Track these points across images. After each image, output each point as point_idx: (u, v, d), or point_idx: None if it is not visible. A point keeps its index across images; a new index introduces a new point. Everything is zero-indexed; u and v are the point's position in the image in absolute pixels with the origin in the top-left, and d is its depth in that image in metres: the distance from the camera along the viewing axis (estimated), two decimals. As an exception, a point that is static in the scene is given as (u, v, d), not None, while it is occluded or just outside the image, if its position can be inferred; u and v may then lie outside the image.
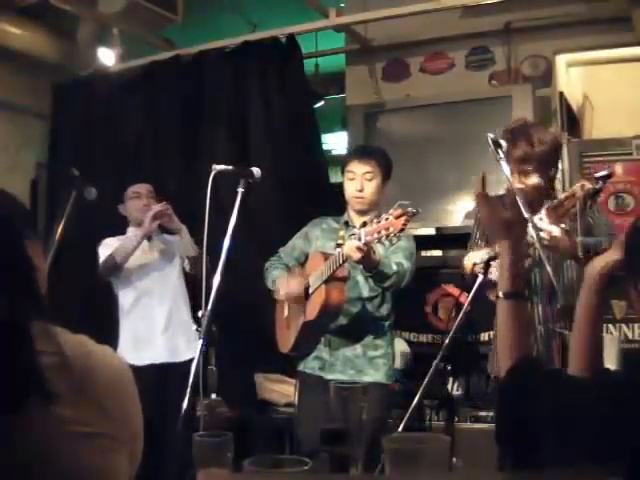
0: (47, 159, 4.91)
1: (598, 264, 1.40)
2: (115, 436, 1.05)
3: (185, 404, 2.23)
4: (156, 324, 3.43)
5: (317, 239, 3.07)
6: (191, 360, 3.40)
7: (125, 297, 3.48)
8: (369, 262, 2.68)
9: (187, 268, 3.53)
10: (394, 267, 2.79)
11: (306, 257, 3.09)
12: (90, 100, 4.70)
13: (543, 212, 2.32)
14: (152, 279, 3.46)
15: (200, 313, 2.41)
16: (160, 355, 3.34)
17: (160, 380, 3.22)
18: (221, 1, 5.03)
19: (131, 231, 3.53)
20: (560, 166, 2.67)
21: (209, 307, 2.40)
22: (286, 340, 3.05)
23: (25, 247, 1.09)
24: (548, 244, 2.28)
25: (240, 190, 2.57)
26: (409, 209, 2.40)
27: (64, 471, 0.99)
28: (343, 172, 3.02)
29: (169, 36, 4.87)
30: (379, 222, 2.46)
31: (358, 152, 3.09)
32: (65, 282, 3.96)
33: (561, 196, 2.35)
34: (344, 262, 2.68)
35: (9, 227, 1.09)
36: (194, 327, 3.54)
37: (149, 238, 3.47)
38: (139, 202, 3.50)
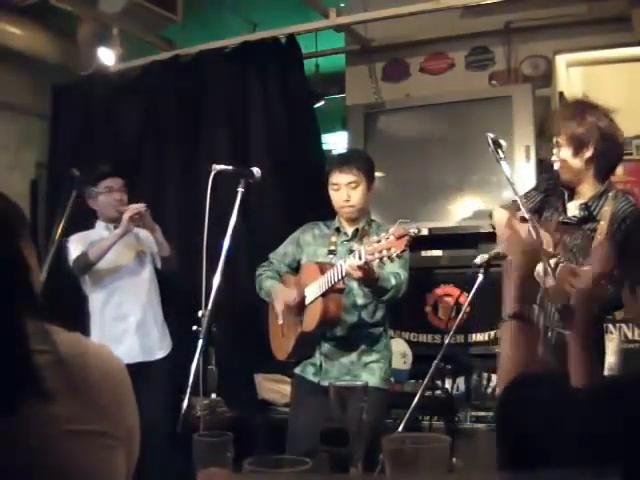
0: (47, 159, 4.91)
1: (582, 281, 1.39)
2: (111, 433, 1.06)
3: (185, 404, 2.23)
4: (129, 323, 3.42)
5: (309, 245, 3.06)
6: (164, 358, 3.46)
7: (96, 297, 3.45)
8: (369, 279, 2.68)
9: (158, 265, 3.52)
10: (392, 281, 2.78)
11: (298, 263, 3.08)
12: (90, 100, 4.70)
13: (560, 267, 2.28)
14: (124, 278, 3.44)
15: (200, 313, 2.41)
16: (134, 355, 3.31)
17: (134, 380, 3.19)
18: (221, 1, 5.03)
19: (100, 225, 3.51)
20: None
21: (209, 307, 2.40)
22: (282, 348, 3.05)
23: (20, 247, 1.09)
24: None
25: (240, 190, 2.57)
26: (411, 230, 2.37)
27: (61, 469, 0.99)
28: (327, 183, 3.00)
29: (169, 36, 4.88)
30: (379, 241, 2.43)
31: (338, 162, 3.03)
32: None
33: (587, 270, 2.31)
34: (343, 278, 2.68)
35: (4, 227, 1.09)
36: (166, 325, 3.55)
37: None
38: (111, 197, 3.44)
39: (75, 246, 3.34)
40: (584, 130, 2.46)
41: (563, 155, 2.51)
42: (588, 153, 2.49)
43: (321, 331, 2.90)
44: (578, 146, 2.48)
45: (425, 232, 3.75)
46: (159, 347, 3.49)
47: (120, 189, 3.48)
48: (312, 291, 2.86)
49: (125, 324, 3.41)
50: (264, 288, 3.08)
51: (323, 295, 2.78)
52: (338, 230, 3.03)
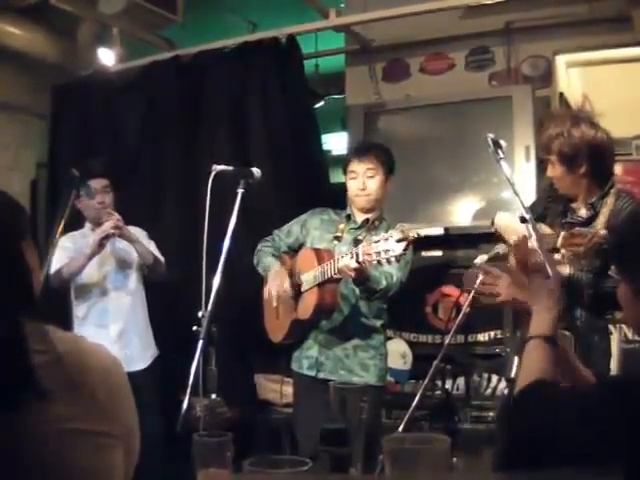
0: (47, 159, 4.91)
1: (536, 330, 1.35)
2: (110, 433, 1.06)
3: (185, 404, 2.23)
4: (109, 333, 3.37)
5: (316, 229, 3.05)
6: (144, 370, 3.41)
7: (79, 306, 3.44)
8: (360, 278, 2.68)
9: (145, 272, 3.50)
10: (383, 282, 2.77)
11: (300, 245, 3.08)
12: (90, 100, 4.70)
13: (562, 235, 2.27)
14: (107, 289, 3.42)
15: (200, 313, 2.41)
16: None
17: None
18: (221, 1, 5.03)
19: (87, 226, 3.49)
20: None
21: (209, 307, 2.39)
22: (277, 331, 3.06)
23: (22, 248, 1.09)
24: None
25: (240, 190, 2.57)
26: (411, 234, 2.36)
27: (59, 468, 0.99)
28: (345, 172, 3.01)
29: (169, 36, 4.87)
30: (377, 242, 2.41)
31: (357, 150, 3.07)
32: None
33: (586, 230, 2.30)
34: (338, 273, 2.68)
35: (7, 228, 1.09)
36: (151, 335, 3.53)
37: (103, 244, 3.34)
38: (93, 199, 3.39)
39: (58, 255, 3.23)
40: (573, 148, 2.40)
41: (557, 173, 2.46)
42: (582, 169, 2.44)
43: (316, 318, 2.91)
44: (570, 164, 2.42)
45: (430, 231, 3.74)
46: (140, 357, 3.44)
47: (102, 190, 3.40)
48: (308, 279, 2.87)
49: (105, 334, 3.34)
50: (263, 263, 3.10)
51: (319, 285, 2.79)
52: (348, 217, 3.02)
